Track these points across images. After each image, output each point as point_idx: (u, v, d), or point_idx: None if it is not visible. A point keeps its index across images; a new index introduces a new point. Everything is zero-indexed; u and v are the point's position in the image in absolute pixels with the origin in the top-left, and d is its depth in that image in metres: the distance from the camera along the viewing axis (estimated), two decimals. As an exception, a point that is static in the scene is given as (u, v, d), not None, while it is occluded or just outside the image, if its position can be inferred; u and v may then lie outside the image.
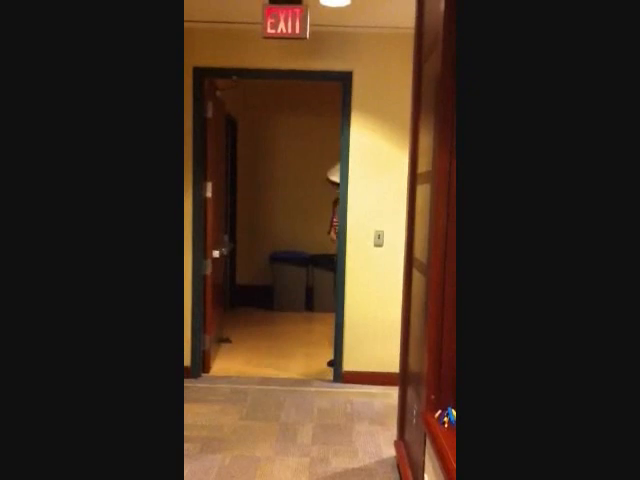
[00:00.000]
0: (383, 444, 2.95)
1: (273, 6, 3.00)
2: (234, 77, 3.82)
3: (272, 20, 3.01)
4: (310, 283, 5.92)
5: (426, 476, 1.99)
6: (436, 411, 1.97)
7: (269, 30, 3.06)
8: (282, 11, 3.00)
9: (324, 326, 5.16)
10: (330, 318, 4.12)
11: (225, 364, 4.16)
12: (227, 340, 4.68)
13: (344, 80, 3.69)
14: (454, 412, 1.90)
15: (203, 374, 3.90)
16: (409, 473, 2.35)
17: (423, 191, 2.32)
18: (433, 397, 2.02)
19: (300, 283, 5.91)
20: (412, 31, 2.62)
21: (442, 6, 1.95)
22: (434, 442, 1.82)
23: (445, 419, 1.89)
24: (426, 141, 2.27)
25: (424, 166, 2.31)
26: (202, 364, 3.91)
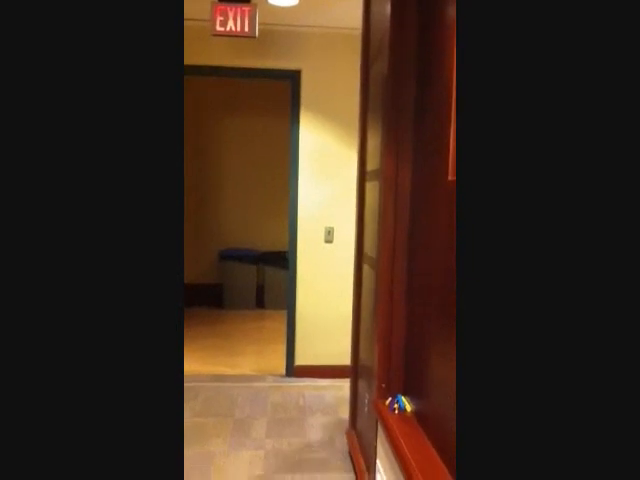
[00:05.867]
0: (335, 434, 3.02)
1: (222, 4, 3.01)
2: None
3: (221, 18, 3.02)
4: (261, 281, 5.93)
5: (378, 461, 2.07)
6: (386, 399, 2.05)
7: (218, 28, 3.06)
8: (231, 9, 3.02)
9: (275, 323, 5.19)
10: (281, 315, 4.16)
11: (176, 363, 4.13)
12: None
13: (293, 79, 3.73)
14: (403, 398, 1.99)
15: (154, 374, 3.86)
16: (361, 460, 2.44)
17: (372, 188, 2.39)
18: (383, 385, 2.11)
19: (250, 281, 5.91)
20: (360, 32, 2.69)
21: (388, 10, 2.03)
22: (386, 428, 1.90)
23: (395, 406, 1.97)
24: (374, 140, 2.35)
25: (372, 164, 2.39)
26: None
